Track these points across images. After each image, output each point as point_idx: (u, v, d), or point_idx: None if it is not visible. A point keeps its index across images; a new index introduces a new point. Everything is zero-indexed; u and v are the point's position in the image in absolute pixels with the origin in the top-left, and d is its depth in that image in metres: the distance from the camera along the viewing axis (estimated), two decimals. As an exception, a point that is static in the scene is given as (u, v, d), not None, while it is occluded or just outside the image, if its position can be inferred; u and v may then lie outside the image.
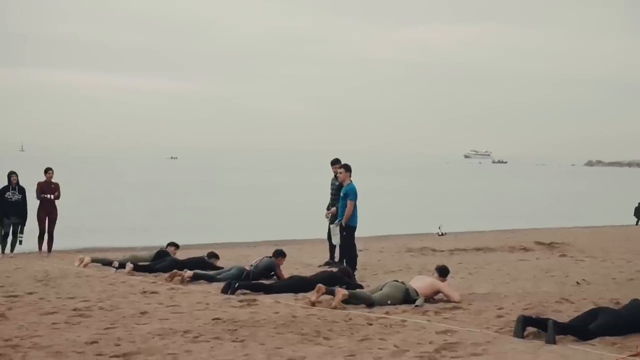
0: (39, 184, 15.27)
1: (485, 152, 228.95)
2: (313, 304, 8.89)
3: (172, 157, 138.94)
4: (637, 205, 30.16)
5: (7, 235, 15.07)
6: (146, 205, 36.41)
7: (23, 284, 10.56)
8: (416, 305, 8.85)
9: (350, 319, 8.07)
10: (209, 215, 31.40)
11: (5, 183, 15.06)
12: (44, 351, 6.53)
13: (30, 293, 9.72)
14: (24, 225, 15.17)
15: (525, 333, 7.06)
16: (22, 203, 14.98)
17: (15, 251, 15.04)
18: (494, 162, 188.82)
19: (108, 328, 7.52)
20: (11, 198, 14.89)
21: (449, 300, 9.15)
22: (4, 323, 7.77)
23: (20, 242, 15.19)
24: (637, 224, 29.66)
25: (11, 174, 15.04)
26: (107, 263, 12.61)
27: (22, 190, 15.04)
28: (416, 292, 9.12)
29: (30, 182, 15.41)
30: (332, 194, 13.37)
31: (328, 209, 13.36)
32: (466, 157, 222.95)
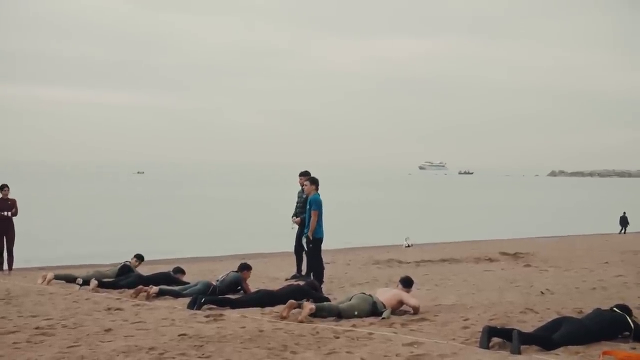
0: None
1: (440, 163, 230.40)
2: (283, 318, 8.86)
3: (138, 172, 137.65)
4: (622, 214, 30.94)
5: None
6: (112, 218, 36.01)
7: (-17, 302, 10.34)
8: (383, 318, 8.86)
9: (318, 332, 8.05)
10: (174, 230, 31.17)
11: None
12: (4, 371, 6.40)
13: (-10, 312, 9.51)
14: None
15: (490, 344, 7.11)
16: None
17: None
18: (460, 173, 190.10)
19: (71, 346, 7.39)
20: None
21: (413, 311, 9.17)
22: (-38, 343, 7.59)
23: None
24: (620, 232, 30.28)
25: None
26: (71, 279, 12.41)
27: None
28: (383, 304, 9.14)
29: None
30: (298, 206, 13.42)
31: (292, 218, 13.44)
32: (421, 168, 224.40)
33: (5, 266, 15.04)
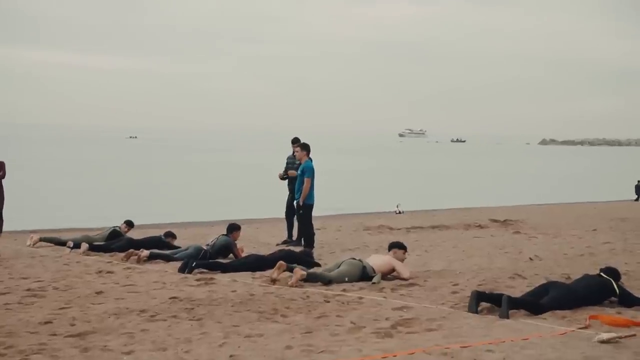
0: None
1: (420, 130, 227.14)
2: (273, 281, 8.92)
3: (131, 137, 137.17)
4: (637, 183, 31.13)
5: None
6: (103, 183, 35.94)
7: (-27, 264, 10.36)
8: (373, 283, 8.93)
9: (308, 296, 8.11)
10: (166, 195, 31.16)
11: None
12: (-4, 332, 6.43)
13: (-19, 275, 9.54)
14: None
15: (479, 308, 7.19)
16: None
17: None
18: (452, 140, 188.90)
19: (62, 308, 7.45)
20: None
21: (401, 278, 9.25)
22: (-46, 304, 7.62)
23: None
24: (637, 200, 30.36)
25: None
26: (60, 243, 12.46)
27: None
28: (373, 269, 9.20)
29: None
30: (286, 169, 13.65)
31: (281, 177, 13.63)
32: (400, 135, 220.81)
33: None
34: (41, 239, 12.67)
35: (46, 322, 6.79)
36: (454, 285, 8.81)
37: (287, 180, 13.78)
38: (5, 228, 15.18)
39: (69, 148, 78.60)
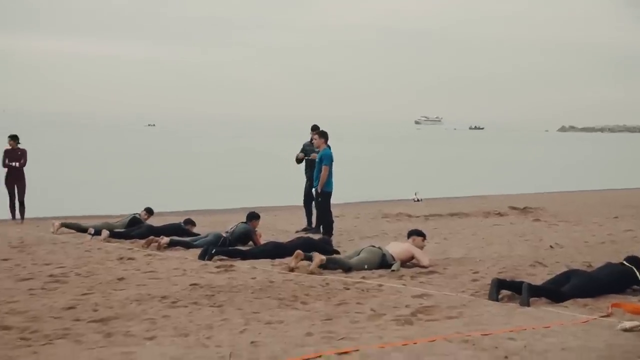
0: (5, 151, 15.09)
1: (436, 118, 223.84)
2: (291, 269, 8.95)
3: (149, 125, 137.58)
4: None
5: None
6: (123, 172, 36.15)
7: (-2, 249, 10.51)
8: (392, 270, 8.94)
9: (328, 283, 8.14)
10: (184, 182, 31.28)
11: None
12: (21, 316, 6.53)
13: (6, 259, 9.71)
14: None
15: (499, 296, 7.18)
16: None
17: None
18: (471, 128, 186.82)
19: (85, 294, 7.53)
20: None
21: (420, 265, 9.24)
22: (-21, 289, 7.74)
23: None
24: None
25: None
26: (82, 229, 12.58)
27: None
28: (392, 257, 9.20)
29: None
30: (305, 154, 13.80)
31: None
32: (417, 123, 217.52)
33: (18, 215, 15.21)
34: (63, 225, 12.81)
35: (69, 308, 6.88)
36: (474, 273, 8.79)
37: (304, 167, 13.81)
38: (27, 215, 15.40)
39: (89, 136, 79.07)
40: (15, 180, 15.06)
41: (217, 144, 69.80)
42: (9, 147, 15.17)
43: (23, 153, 15.26)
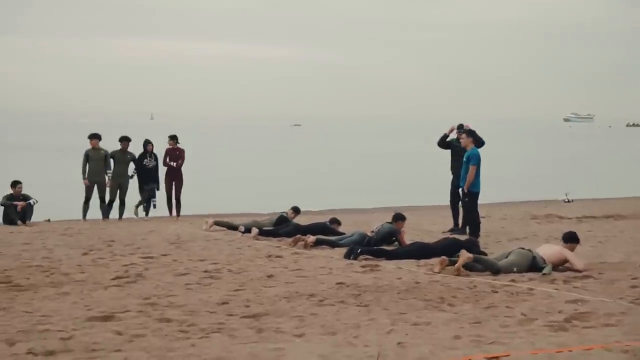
0: (166, 150, 16.01)
1: (588, 115, 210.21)
2: (437, 273, 8.84)
3: (295, 125, 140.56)
4: None
5: (143, 201, 15.98)
6: (270, 170, 37.24)
7: (157, 246, 11.14)
8: (544, 274, 8.63)
9: (475, 286, 8.00)
10: (330, 182, 31.73)
11: (141, 150, 15.88)
12: (179, 309, 6.89)
13: (165, 255, 10.24)
14: (158, 189, 15.99)
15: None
16: (157, 169, 15.84)
17: (144, 215, 15.99)
18: (628, 125, 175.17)
19: (237, 290, 7.82)
20: (148, 165, 15.75)
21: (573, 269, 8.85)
22: (143, 282, 8.27)
23: (154, 206, 16.05)
24: None
25: (147, 143, 15.89)
26: (233, 227, 13.05)
27: (156, 158, 15.91)
28: (543, 260, 8.88)
29: (158, 150, 16.15)
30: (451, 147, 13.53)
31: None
32: (566, 120, 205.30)
33: (174, 212, 16.06)
34: (215, 223, 13.36)
35: (223, 303, 7.17)
36: (633, 279, 8.31)
37: (449, 163, 13.58)
38: (182, 212, 16.22)
39: (239, 137, 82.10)
40: (174, 178, 15.95)
41: (362, 144, 70.27)
42: (169, 146, 16.08)
43: (181, 153, 16.12)
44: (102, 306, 7.00)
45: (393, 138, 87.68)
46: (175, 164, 15.86)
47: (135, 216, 16.08)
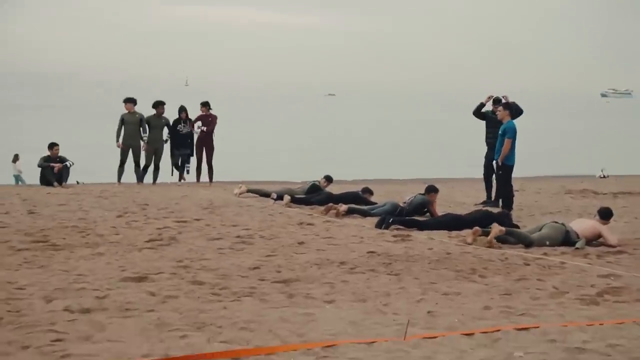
0: (198, 117, 16.07)
1: (626, 90, 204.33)
2: (469, 244, 8.81)
3: (329, 94, 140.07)
4: None
5: (176, 165, 16.12)
6: (304, 139, 37.27)
7: (190, 210, 11.25)
8: (577, 248, 8.56)
9: (507, 258, 7.96)
10: (363, 151, 31.70)
11: (176, 116, 15.98)
12: (212, 273, 6.98)
13: (198, 219, 10.33)
14: (192, 155, 16.11)
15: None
16: (190, 135, 15.92)
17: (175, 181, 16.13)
18: None
19: (269, 256, 7.88)
20: (182, 131, 15.85)
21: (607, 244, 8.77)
22: (176, 245, 8.38)
23: (188, 172, 16.20)
24: None
25: (182, 110, 15.95)
26: (265, 194, 13.12)
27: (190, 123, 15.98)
28: (577, 234, 8.81)
29: (192, 116, 16.25)
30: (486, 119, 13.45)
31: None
32: (603, 95, 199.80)
33: (204, 178, 16.18)
34: (248, 190, 13.44)
35: (255, 268, 7.24)
36: (668, 255, 8.21)
37: (484, 134, 13.47)
38: (215, 178, 16.34)
39: (272, 105, 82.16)
40: (204, 144, 16.00)
41: (398, 114, 69.87)
42: (201, 113, 16.15)
43: (213, 119, 16.17)
44: (136, 267, 7.12)
45: (429, 108, 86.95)
46: (204, 128, 15.88)
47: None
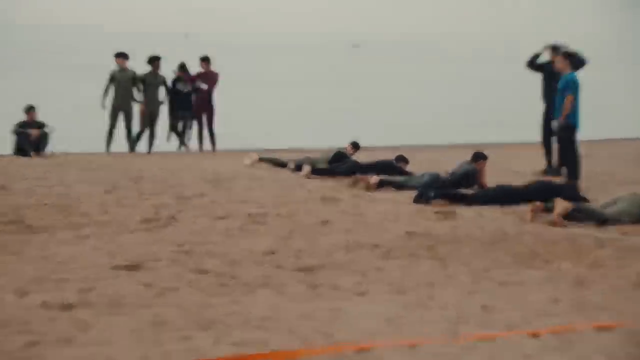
0: (197, 74, 15.88)
1: None
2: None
3: (354, 46, 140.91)
4: None
5: (176, 130, 16.00)
6: (323, 99, 37.10)
7: (193, 184, 11.19)
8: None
9: (575, 239, 7.80)
10: (396, 113, 31.47)
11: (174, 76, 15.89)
12: (218, 259, 6.85)
13: (201, 195, 10.26)
14: (194, 119, 16.02)
15: None
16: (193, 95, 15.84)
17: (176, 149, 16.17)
18: None
19: (286, 238, 7.77)
20: (183, 90, 15.71)
21: None
22: (175, 226, 8.28)
23: (189, 138, 16.11)
24: None
25: (182, 68, 15.75)
26: (281, 164, 13.08)
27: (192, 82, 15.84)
28: (662, 209, 8.62)
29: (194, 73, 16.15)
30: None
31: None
32: None
33: (207, 147, 16.08)
34: (260, 159, 13.35)
35: (270, 253, 7.11)
36: None
37: (541, 91, 13.26)
38: (219, 146, 16.23)
39: (287, 59, 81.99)
40: (203, 106, 15.80)
41: (435, 69, 69.43)
42: (201, 70, 15.98)
43: (214, 77, 15.98)
44: (129, 253, 7.02)
45: (473, 62, 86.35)
46: (204, 85, 15.69)
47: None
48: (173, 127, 16.02)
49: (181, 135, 16.09)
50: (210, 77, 15.96)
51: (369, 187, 10.96)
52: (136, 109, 15.78)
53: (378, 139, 19.98)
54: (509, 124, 24.60)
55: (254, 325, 5.11)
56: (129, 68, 15.63)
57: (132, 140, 15.81)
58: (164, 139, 16.32)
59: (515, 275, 6.45)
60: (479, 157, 11.32)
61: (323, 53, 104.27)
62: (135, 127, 15.92)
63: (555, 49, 13.23)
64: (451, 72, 63.43)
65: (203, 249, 7.23)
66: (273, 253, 7.11)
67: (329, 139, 18.61)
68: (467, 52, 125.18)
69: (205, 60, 16.08)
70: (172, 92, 15.77)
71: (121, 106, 15.45)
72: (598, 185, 11.54)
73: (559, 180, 11.05)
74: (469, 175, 11.14)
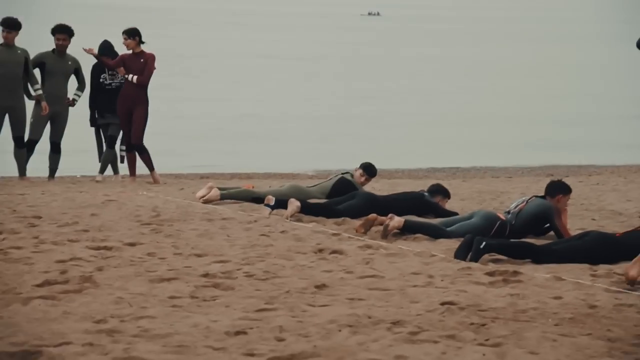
0: (120, 58, 15.58)
1: None
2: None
3: (370, 13, 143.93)
4: None
5: (100, 144, 15.93)
6: (322, 96, 37.32)
7: (120, 227, 11.26)
8: None
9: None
10: (426, 116, 31.67)
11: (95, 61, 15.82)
12: (159, 343, 6.78)
13: (132, 244, 10.31)
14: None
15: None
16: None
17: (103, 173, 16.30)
18: None
19: (263, 310, 7.77)
20: (108, 83, 15.66)
21: None
22: (93, 293, 8.23)
23: (122, 160, 16.03)
24: None
25: (105, 48, 15.65)
26: (253, 198, 13.14)
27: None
28: None
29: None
30: None
31: None
32: None
33: (140, 170, 16.04)
34: (222, 192, 13.25)
35: (237, 333, 7.07)
36: None
37: None
38: (159, 169, 16.18)
39: (282, 34, 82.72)
40: (132, 105, 15.55)
41: (475, 46, 69.93)
42: (127, 51, 15.66)
43: (147, 61, 15.60)
44: (19, 335, 6.94)
45: (531, 41, 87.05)
46: (134, 77, 15.34)
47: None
48: (98, 139, 16.01)
49: (106, 152, 16.01)
50: (142, 62, 15.41)
51: (388, 233, 11.04)
52: (30, 107, 15.60)
53: (399, 159, 20.03)
54: (594, 139, 24.69)
55: None
56: (19, 46, 15.46)
57: (23, 157, 15.52)
58: (74, 155, 16.35)
59: (611, 375, 6.47)
60: (558, 189, 11.45)
61: (331, 23, 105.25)
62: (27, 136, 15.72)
63: None
64: (503, 54, 63.91)
65: (134, 327, 7.18)
66: (243, 333, 7.07)
67: (329, 159, 18.67)
68: (518, 30, 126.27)
69: (130, 35, 15.53)
70: (94, 86, 15.74)
71: (5, 103, 15.24)
72: None
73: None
74: (541, 216, 11.27)
